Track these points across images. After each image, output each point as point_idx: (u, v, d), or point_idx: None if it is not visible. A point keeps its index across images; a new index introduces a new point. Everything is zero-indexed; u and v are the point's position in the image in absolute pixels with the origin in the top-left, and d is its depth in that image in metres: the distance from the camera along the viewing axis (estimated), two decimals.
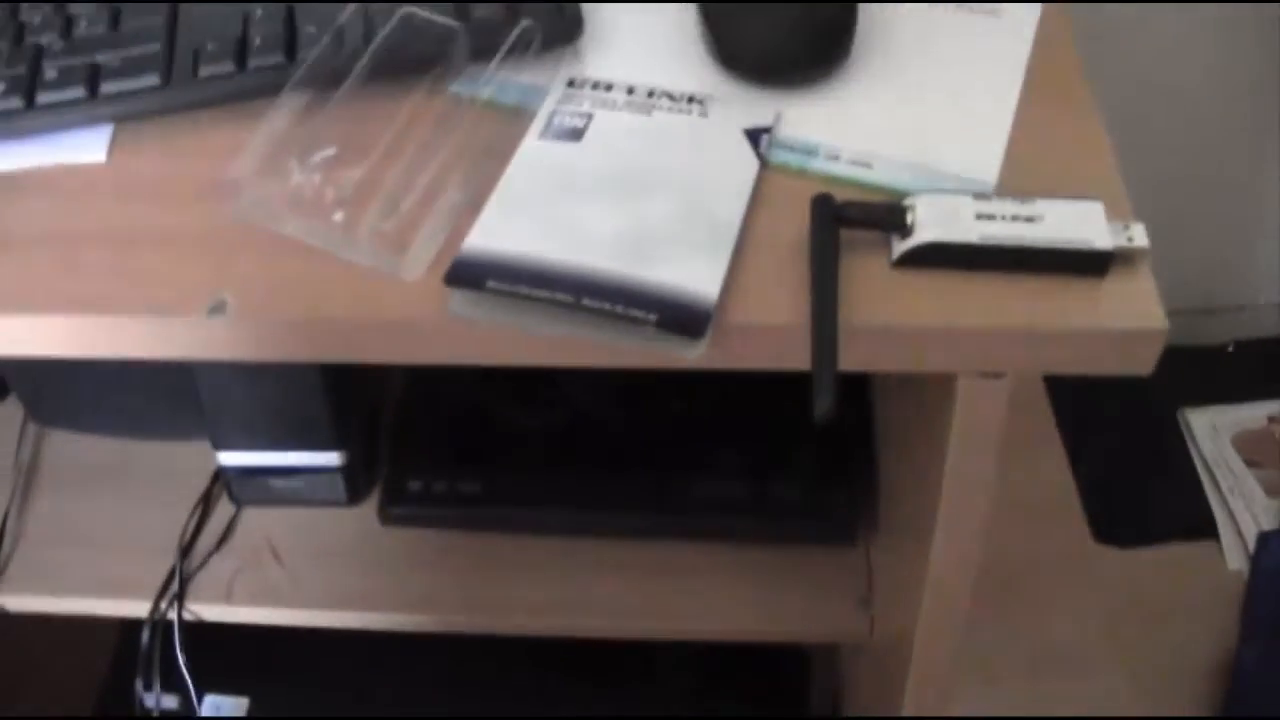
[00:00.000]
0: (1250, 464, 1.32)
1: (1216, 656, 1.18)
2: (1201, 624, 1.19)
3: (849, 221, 0.54)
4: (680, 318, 0.51)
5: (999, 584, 1.03)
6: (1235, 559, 1.25)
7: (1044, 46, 0.64)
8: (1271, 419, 1.37)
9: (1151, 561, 1.24)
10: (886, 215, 0.55)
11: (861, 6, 0.63)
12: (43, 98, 0.62)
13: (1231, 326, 1.43)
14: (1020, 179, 0.58)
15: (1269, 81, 1.20)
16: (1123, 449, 1.33)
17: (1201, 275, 1.40)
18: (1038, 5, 0.66)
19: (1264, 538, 1.25)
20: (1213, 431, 1.35)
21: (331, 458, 0.85)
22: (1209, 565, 1.25)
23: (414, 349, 0.55)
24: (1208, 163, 1.28)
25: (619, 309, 0.51)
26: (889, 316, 0.53)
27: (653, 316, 0.51)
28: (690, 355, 0.51)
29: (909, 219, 0.54)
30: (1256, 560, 1.24)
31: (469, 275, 0.53)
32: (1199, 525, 1.29)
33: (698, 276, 0.52)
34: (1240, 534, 1.27)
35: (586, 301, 0.51)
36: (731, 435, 0.87)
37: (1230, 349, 1.43)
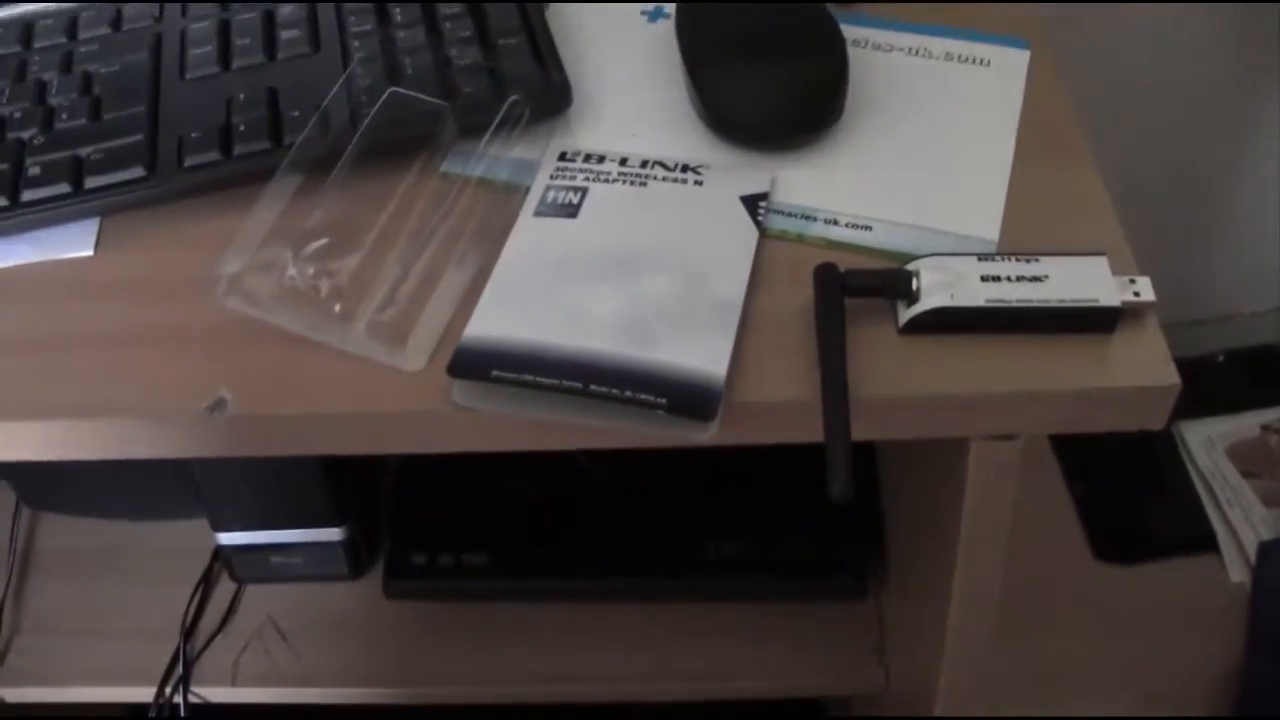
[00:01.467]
0: (1246, 474, 1.32)
1: (1224, 669, 1.17)
2: (1208, 637, 1.18)
3: (854, 291, 0.54)
4: (691, 401, 0.50)
5: (1002, 606, 1.02)
6: (1237, 571, 1.25)
7: (1034, 93, 0.64)
8: (1265, 428, 1.36)
9: (1154, 577, 1.23)
10: (891, 282, 0.54)
11: (850, 64, 0.62)
12: (27, 194, 0.61)
13: (1221, 337, 1.43)
14: (1021, 234, 0.57)
15: (1250, 89, 1.20)
16: (1118, 466, 1.33)
17: (1188, 286, 1.40)
18: (1025, 53, 0.66)
19: (1265, 548, 1.25)
20: (1208, 443, 1.35)
21: (333, 533, 0.84)
22: (1212, 578, 1.24)
23: (419, 440, 0.55)
24: (1190, 173, 1.28)
25: (628, 394, 0.50)
26: (899, 386, 0.52)
27: (663, 401, 0.50)
28: (701, 438, 0.51)
29: (914, 285, 0.53)
30: (1259, 572, 1.23)
31: (472, 365, 0.52)
32: (1199, 539, 1.28)
33: (705, 356, 0.52)
34: (1241, 546, 1.26)
35: (594, 388, 0.50)
36: (737, 494, 0.87)
37: (1221, 359, 1.43)
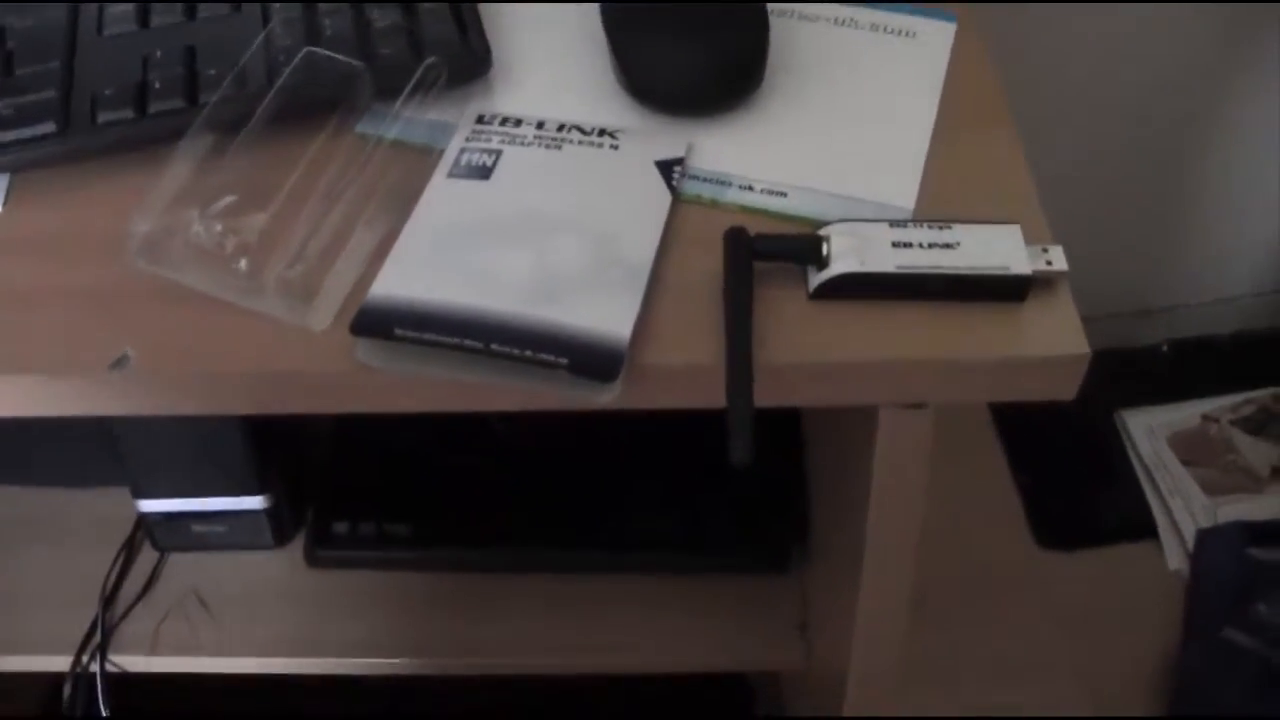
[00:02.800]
0: (1187, 463, 1.33)
1: (1163, 656, 1.18)
2: (1147, 625, 1.20)
3: (763, 255, 0.53)
4: (592, 361, 0.50)
5: (945, 593, 1.03)
6: (1175, 559, 1.26)
7: (960, 67, 0.64)
8: (1205, 418, 1.37)
9: (1095, 564, 1.24)
10: (801, 247, 0.54)
11: (772, 32, 0.62)
12: None
13: (1165, 327, 1.44)
14: (938, 204, 0.57)
15: (1203, 83, 1.21)
16: (1062, 453, 1.34)
17: (1133, 277, 1.41)
18: (952, 25, 0.66)
19: (1202, 536, 1.26)
20: (1149, 432, 1.36)
21: (255, 501, 0.84)
22: (1152, 566, 1.25)
23: (323, 400, 0.54)
24: (1136, 164, 1.29)
25: (529, 354, 0.50)
26: (807, 351, 0.52)
27: (564, 361, 0.50)
28: (603, 399, 0.50)
29: (825, 250, 0.53)
30: (1195, 560, 1.24)
31: (375, 323, 0.51)
32: (1140, 526, 1.29)
33: (610, 318, 0.51)
34: (1180, 534, 1.28)
35: (495, 347, 0.50)
36: (663, 467, 0.87)
37: (1164, 349, 1.44)
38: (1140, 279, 1.41)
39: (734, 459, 0.47)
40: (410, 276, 0.53)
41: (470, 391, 0.52)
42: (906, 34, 0.66)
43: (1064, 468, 1.33)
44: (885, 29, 0.66)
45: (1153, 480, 1.32)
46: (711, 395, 0.51)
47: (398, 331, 0.51)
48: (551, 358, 0.50)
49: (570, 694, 1.03)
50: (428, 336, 0.51)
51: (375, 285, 0.53)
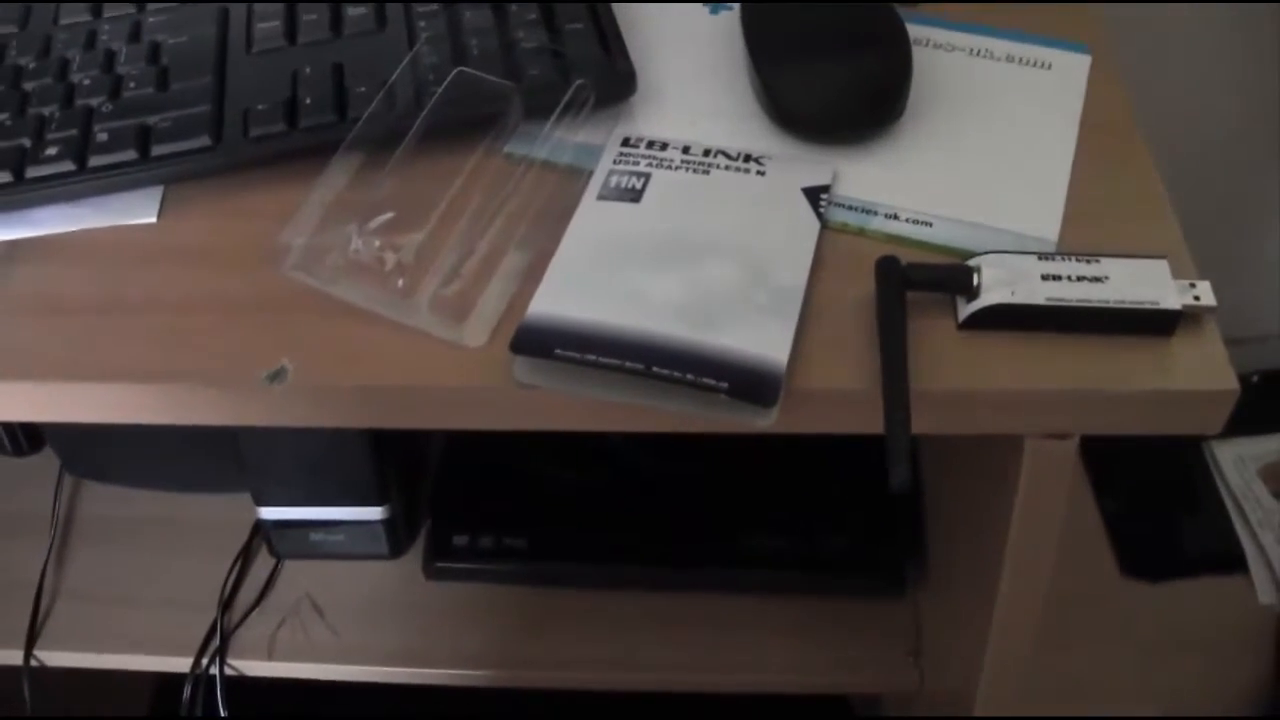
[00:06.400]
0: (1279, 496, 1.31)
1: (1250, 692, 1.17)
2: (1233, 659, 1.18)
3: (915, 284, 0.54)
4: (752, 386, 0.50)
5: None
6: (1266, 593, 1.24)
7: (1096, 97, 0.64)
8: None
9: (1180, 596, 1.23)
10: (953, 277, 0.54)
11: (914, 63, 0.62)
12: (94, 160, 0.61)
13: (1256, 358, 1.42)
14: (1081, 235, 0.58)
15: None
16: (1148, 482, 1.32)
17: (1226, 305, 1.39)
18: (1086, 58, 0.66)
19: None
20: (1240, 463, 1.34)
21: (374, 512, 0.84)
22: (1239, 599, 1.24)
23: (477, 416, 0.55)
24: (1232, 192, 1.28)
25: (689, 378, 0.50)
26: (957, 380, 0.52)
27: (724, 385, 0.50)
28: (761, 424, 0.51)
29: (975, 280, 0.53)
30: None
31: (535, 343, 0.52)
32: (1228, 558, 1.27)
33: (766, 342, 0.52)
34: (1270, 567, 1.26)
35: (656, 370, 0.51)
36: (778, 487, 0.87)
37: (1255, 380, 1.42)
38: (1232, 308, 1.40)
39: (894, 486, 0.48)
40: (566, 297, 0.54)
41: (624, 412, 0.53)
42: (1042, 65, 0.66)
43: (1150, 497, 1.32)
44: (1021, 60, 0.66)
45: (1242, 512, 1.31)
46: (865, 421, 0.51)
47: (558, 351, 0.52)
48: (712, 382, 0.50)
49: (662, 710, 1.04)
50: (589, 357, 0.51)
51: (533, 305, 0.54)
